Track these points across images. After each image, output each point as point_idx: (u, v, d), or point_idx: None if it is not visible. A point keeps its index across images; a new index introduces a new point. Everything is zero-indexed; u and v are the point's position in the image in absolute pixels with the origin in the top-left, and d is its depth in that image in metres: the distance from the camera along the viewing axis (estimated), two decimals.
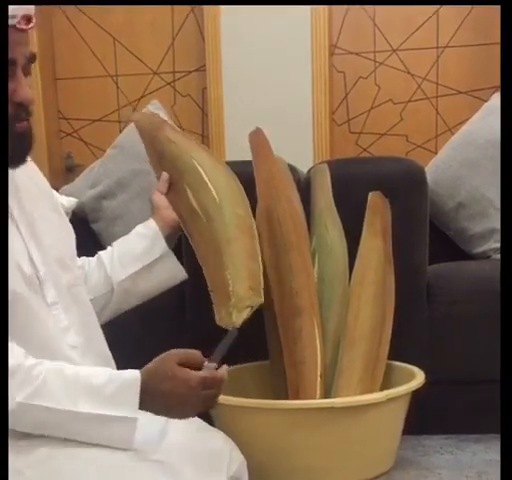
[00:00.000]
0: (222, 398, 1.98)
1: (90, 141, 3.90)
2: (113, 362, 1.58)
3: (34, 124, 4.05)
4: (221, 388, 1.40)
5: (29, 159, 1.54)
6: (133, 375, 1.32)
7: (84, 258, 1.74)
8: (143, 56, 3.79)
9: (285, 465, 1.99)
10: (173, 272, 1.76)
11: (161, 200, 1.78)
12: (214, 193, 1.69)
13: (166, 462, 1.35)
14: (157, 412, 1.35)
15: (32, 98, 1.37)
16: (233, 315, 1.48)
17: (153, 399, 1.32)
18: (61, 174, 3.83)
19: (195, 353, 1.38)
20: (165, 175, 1.80)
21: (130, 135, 2.86)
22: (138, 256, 1.72)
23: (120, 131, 3.38)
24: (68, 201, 2.74)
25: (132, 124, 2.96)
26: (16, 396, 1.25)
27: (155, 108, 2.90)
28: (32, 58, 1.36)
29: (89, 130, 3.90)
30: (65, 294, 1.48)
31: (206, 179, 1.72)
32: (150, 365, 1.35)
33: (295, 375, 2.01)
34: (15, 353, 1.29)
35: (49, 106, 3.82)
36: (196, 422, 1.56)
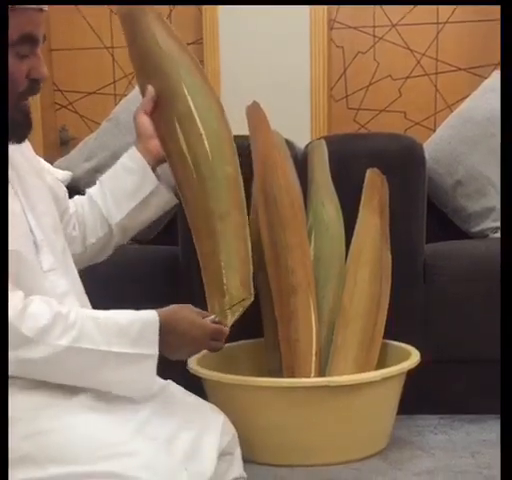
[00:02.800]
0: (217, 376, 1.99)
1: (85, 114, 3.86)
2: None
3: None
4: (224, 342, 1.56)
5: None
6: (152, 315, 1.39)
7: (76, 200, 1.76)
8: None
9: (278, 443, 1.99)
10: (166, 202, 1.77)
11: (145, 126, 1.70)
12: (206, 145, 1.65)
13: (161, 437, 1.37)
14: (168, 350, 1.43)
15: (47, 75, 1.47)
16: (228, 317, 1.62)
17: (169, 337, 1.40)
18: (56, 147, 3.80)
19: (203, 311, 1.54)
20: (151, 92, 1.69)
21: (126, 108, 2.83)
22: (130, 193, 1.72)
23: (116, 104, 3.34)
24: (62, 175, 2.71)
25: (128, 97, 2.95)
26: (61, 341, 1.30)
27: None
28: (44, 38, 1.43)
29: (84, 103, 3.87)
30: (62, 259, 1.49)
31: (198, 120, 1.66)
32: (169, 308, 1.45)
33: (290, 353, 2.00)
34: (42, 302, 1.32)
35: None
36: (190, 397, 1.57)
